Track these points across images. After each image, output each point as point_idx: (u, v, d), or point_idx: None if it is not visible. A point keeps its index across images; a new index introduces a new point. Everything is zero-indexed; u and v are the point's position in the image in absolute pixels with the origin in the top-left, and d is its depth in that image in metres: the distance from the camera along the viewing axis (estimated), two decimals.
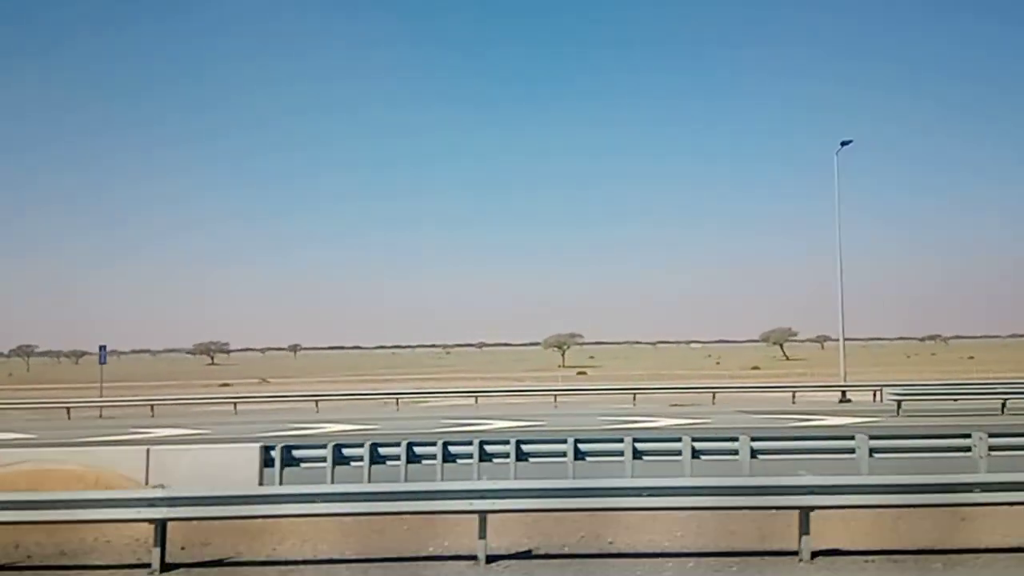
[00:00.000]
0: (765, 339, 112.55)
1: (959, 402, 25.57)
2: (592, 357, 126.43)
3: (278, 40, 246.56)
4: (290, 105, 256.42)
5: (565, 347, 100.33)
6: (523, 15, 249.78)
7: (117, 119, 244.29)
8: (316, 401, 32.64)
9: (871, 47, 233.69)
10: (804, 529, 8.08)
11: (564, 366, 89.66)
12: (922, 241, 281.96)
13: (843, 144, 31.27)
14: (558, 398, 33.04)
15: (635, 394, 31.80)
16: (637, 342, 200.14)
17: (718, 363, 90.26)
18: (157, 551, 8.22)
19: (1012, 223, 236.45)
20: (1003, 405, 24.58)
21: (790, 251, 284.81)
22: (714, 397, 31.23)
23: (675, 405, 29.57)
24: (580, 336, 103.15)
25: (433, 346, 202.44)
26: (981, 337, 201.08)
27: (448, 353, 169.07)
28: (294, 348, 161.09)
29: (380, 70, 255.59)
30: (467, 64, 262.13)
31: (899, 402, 24.52)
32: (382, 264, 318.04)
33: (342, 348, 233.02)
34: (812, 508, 8.10)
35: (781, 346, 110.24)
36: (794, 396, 30.89)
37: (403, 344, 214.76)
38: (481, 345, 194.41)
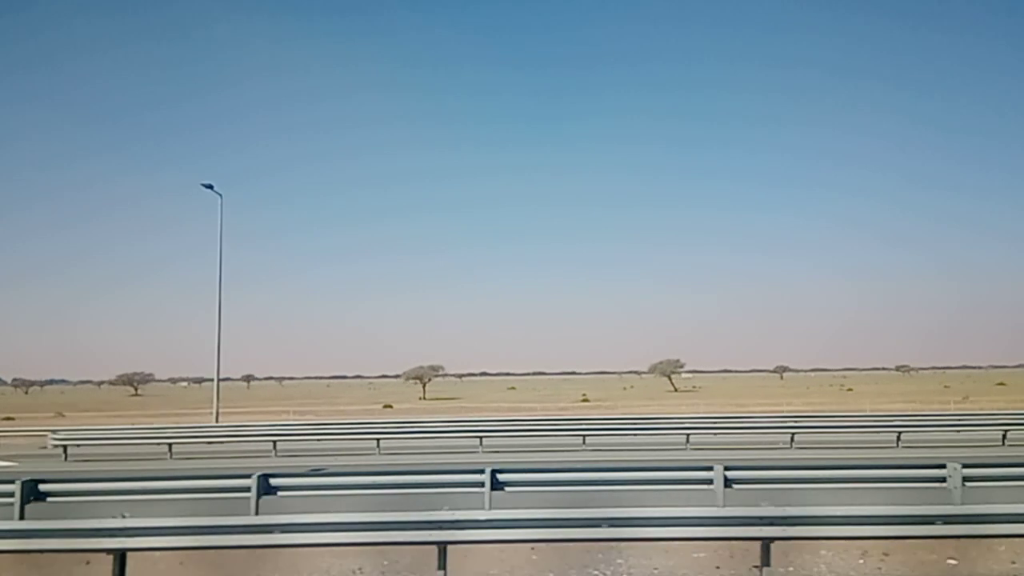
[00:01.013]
0: (652, 370, 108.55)
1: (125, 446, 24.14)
2: (516, 388, 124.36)
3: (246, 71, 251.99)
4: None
5: (426, 380, 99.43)
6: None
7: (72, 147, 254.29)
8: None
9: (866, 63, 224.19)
10: None
11: (424, 398, 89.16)
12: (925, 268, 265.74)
13: (206, 186, 30.51)
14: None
15: None
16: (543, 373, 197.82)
17: (584, 395, 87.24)
18: None
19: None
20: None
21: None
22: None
23: None
24: (441, 368, 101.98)
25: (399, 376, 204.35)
26: (988, 367, 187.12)
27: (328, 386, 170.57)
28: (247, 379, 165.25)
29: None
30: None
31: (65, 447, 23.33)
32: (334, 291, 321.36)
33: (320, 378, 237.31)
34: None
35: (669, 377, 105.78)
36: None
37: (375, 375, 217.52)
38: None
